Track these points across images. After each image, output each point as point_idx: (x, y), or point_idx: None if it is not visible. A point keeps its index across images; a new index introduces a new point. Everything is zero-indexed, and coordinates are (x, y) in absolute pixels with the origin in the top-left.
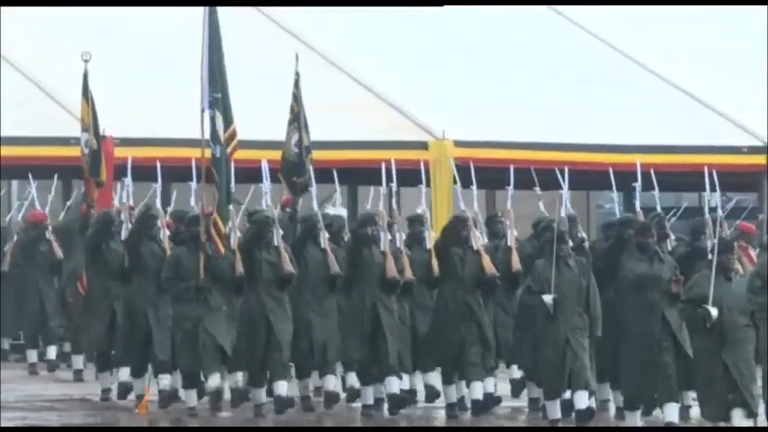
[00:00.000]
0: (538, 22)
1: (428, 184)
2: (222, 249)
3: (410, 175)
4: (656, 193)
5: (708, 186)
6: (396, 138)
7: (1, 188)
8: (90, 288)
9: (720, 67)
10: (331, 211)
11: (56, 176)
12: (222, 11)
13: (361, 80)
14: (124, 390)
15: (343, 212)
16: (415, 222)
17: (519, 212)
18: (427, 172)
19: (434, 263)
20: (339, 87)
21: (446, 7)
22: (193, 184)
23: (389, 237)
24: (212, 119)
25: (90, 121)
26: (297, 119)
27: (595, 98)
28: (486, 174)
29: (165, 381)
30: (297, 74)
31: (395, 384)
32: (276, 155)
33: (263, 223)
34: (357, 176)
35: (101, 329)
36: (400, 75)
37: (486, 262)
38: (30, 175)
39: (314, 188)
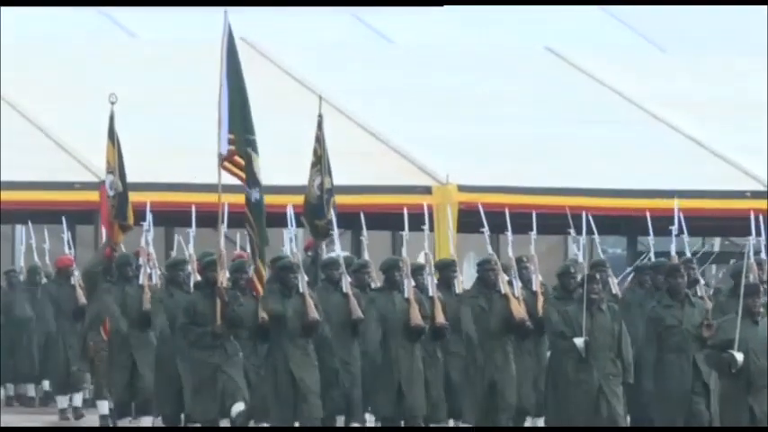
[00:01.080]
0: (537, 65)
1: (431, 229)
2: (261, 292)
3: (413, 220)
4: (686, 237)
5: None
6: (400, 182)
7: (1, 233)
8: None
9: (721, 113)
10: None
11: (64, 220)
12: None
13: (366, 125)
14: None
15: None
16: (447, 268)
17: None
18: (431, 216)
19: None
20: (343, 133)
21: (449, 50)
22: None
23: (413, 283)
24: (250, 162)
25: (116, 164)
26: (320, 161)
27: (599, 142)
28: (490, 218)
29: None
30: (320, 116)
31: None
32: (298, 200)
33: (287, 269)
34: (360, 221)
35: (122, 379)
36: (404, 120)
37: (515, 306)
38: (29, 222)
39: (336, 232)
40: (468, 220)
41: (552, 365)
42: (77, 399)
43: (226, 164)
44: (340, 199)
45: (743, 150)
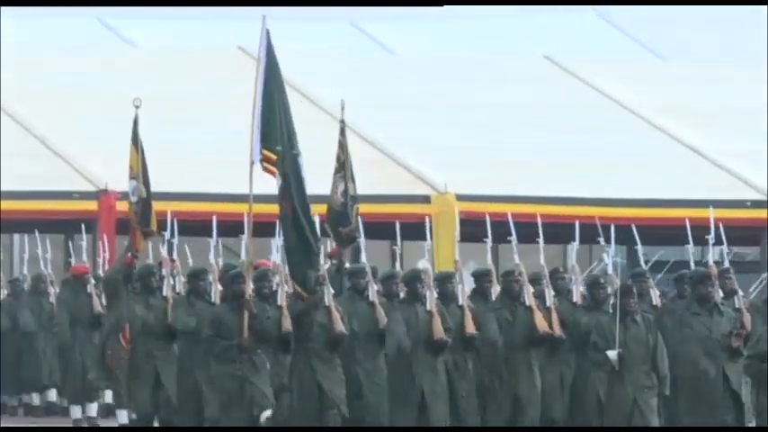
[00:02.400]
0: (535, 74)
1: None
2: (305, 295)
3: (413, 229)
4: (725, 248)
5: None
6: (398, 192)
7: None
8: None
9: (721, 121)
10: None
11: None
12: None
13: (364, 135)
14: None
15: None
16: (482, 278)
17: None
18: (430, 226)
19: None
20: None
21: (447, 58)
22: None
23: (435, 295)
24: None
25: (139, 169)
26: (343, 167)
27: (598, 150)
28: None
29: None
30: (342, 122)
31: None
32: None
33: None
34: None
35: (146, 392)
36: (403, 129)
37: (539, 319)
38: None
39: (362, 239)
40: (466, 230)
41: (581, 376)
42: (92, 409)
43: (265, 164)
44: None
45: (743, 159)
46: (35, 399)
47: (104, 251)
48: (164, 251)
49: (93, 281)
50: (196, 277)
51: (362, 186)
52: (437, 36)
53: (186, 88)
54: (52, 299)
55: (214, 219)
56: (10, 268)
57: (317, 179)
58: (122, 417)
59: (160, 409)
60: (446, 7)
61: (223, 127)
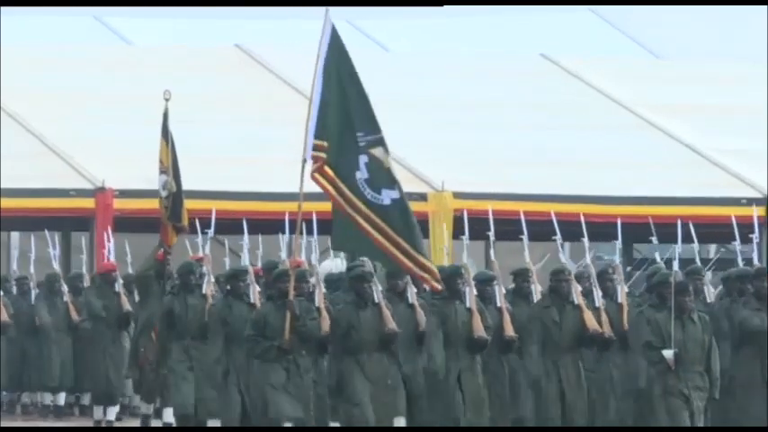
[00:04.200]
0: (532, 72)
1: (426, 236)
2: (437, 287)
3: None
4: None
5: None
6: None
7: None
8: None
9: (718, 120)
10: (328, 263)
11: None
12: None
13: None
14: None
15: (342, 265)
16: (520, 277)
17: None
18: (426, 223)
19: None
20: None
21: (443, 56)
22: (283, 237)
23: (475, 292)
24: (369, 163)
25: (169, 163)
26: None
27: (595, 148)
28: (486, 225)
29: None
30: None
31: None
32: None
33: (360, 279)
34: None
35: (187, 390)
36: (400, 127)
37: (588, 318)
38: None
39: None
40: (463, 228)
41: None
42: (112, 412)
43: (316, 176)
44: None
45: (739, 157)
46: (46, 398)
47: (102, 249)
48: (205, 249)
49: (121, 279)
50: (236, 278)
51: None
52: (432, 34)
53: (184, 86)
54: (66, 298)
55: (245, 220)
56: (8, 266)
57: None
58: (147, 410)
59: (198, 409)
60: (442, 5)
61: (222, 125)
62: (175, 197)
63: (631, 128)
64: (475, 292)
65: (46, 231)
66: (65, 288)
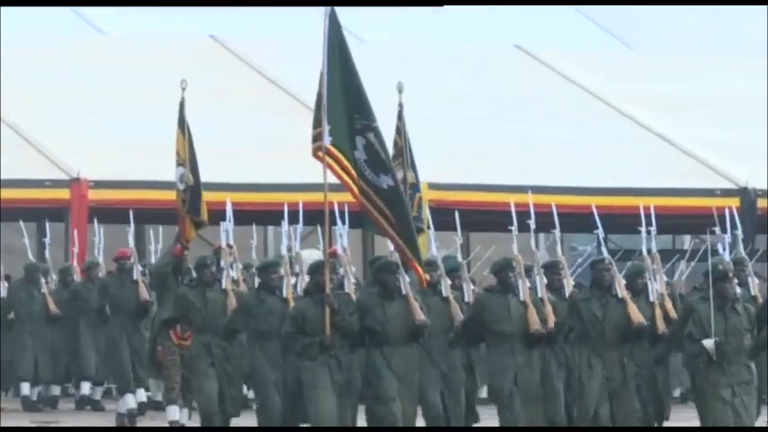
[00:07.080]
0: (507, 63)
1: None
2: (425, 282)
3: None
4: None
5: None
6: None
7: None
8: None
9: (690, 111)
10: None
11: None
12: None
13: None
14: None
15: (318, 255)
16: (552, 269)
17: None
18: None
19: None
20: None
21: (419, 49)
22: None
23: (528, 284)
24: (366, 146)
25: (186, 155)
26: (401, 154)
27: (568, 139)
28: (461, 216)
29: None
30: (400, 105)
31: None
32: (277, 198)
33: (386, 271)
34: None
35: (210, 389)
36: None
37: (633, 311)
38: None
39: (432, 231)
40: (438, 219)
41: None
42: (131, 400)
43: (328, 160)
44: (307, 197)
45: (712, 148)
46: (54, 390)
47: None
48: (222, 241)
49: (140, 267)
50: (266, 270)
51: (330, 175)
52: (407, 24)
53: (158, 78)
54: (44, 289)
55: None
56: None
57: (299, 166)
58: (173, 413)
59: (224, 407)
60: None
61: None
62: (193, 190)
63: (604, 118)
64: (528, 284)
65: (21, 222)
66: (43, 280)
